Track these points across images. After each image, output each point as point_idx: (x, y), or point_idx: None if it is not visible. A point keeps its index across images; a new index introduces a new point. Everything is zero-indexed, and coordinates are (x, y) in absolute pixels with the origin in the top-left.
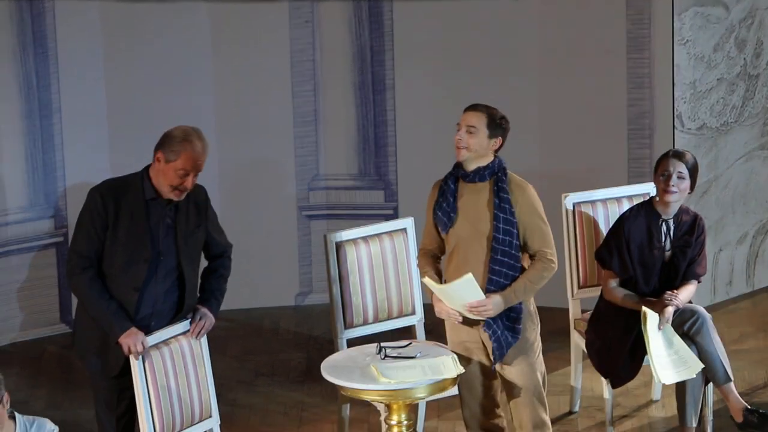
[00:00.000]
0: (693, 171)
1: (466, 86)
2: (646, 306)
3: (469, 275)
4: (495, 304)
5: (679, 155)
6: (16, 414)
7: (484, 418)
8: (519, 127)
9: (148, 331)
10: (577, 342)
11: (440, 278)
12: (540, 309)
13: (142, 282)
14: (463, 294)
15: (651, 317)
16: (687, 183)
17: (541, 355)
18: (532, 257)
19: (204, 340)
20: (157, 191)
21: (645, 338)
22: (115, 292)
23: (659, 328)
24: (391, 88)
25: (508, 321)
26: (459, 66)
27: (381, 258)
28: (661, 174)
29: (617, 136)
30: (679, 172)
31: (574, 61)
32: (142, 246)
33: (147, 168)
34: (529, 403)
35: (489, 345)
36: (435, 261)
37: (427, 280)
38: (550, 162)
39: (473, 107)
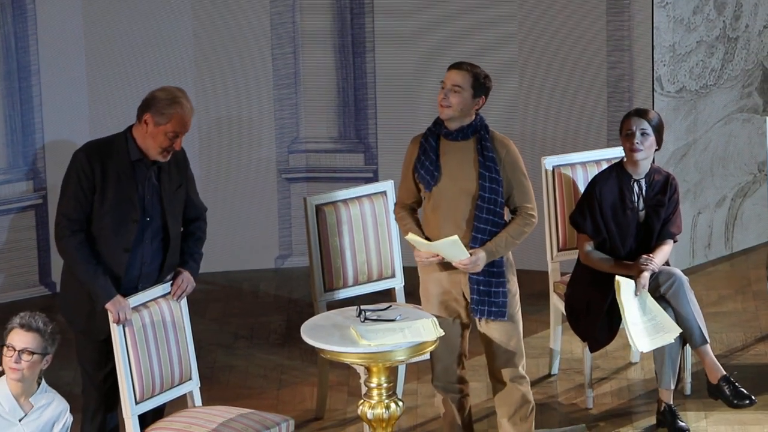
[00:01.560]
0: (657, 128)
1: (446, 49)
2: (620, 271)
3: (455, 237)
4: (480, 259)
5: (641, 113)
6: (43, 380)
7: (456, 371)
8: (499, 89)
9: (135, 293)
10: (557, 305)
11: (420, 230)
12: (519, 272)
13: (131, 243)
14: (447, 252)
15: (625, 285)
16: (652, 139)
17: (520, 306)
18: (513, 212)
19: (184, 302)
20: (143, 152)
21: (620, 308)
22: (105, 254)
23: (636, 294)
24: (371, 51)
25: (491, 276)
26: (439, 28)
27: (361, 221)
28: (625, 133)
29: (596, 98)
30: (642, 129)
31: (553, 23)
32: (131, 207)
33: (130, 128)
34: (511, 356)
35: (469, 297)
36: (413, 213)
37: (411, 236)
38: (529, 124)
39: (458, 66)
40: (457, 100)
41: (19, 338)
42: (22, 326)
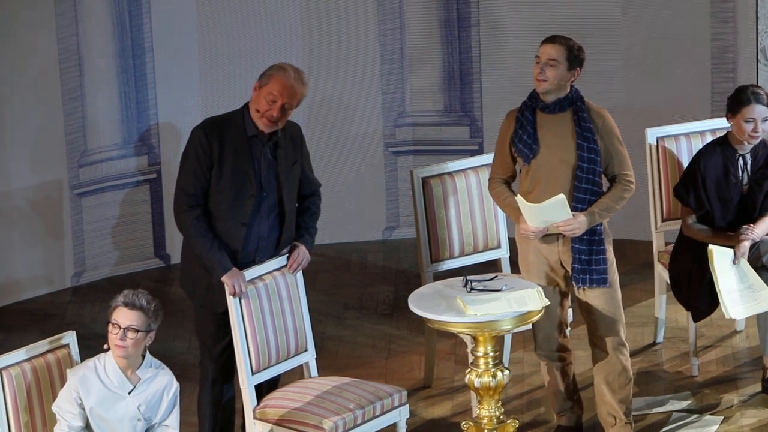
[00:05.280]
0: None
1: (550, 22)
2: (720, 242)
3: (562, 196)
4: (581, 223)
5: (759, 99)
6: (147, 352)
7: (558, 339)
8: (603, 61)
9: (252, 266)
10: (661, 274)
11: None
12: (624, 242)
13: (248, 217)
14: (552, 214)
15: (718, 254)
16: None
17: (617, 275)
18: (611, 180)
19: (300, 275)
20: (258, 128)
21: (713, 275)
22: (222, 229)
23: (734, 263)
24: (476, 25)
25: (591, 245)
26: (543, 2)
27: (466, 193)
28: (745, 120)
29: (701, 70)
30: (765, 117)
31: None
32: (248, 182)
33: (247, 105)
34: (611, 323)
35: (569, 266)
36: (509, 187)
37: (519, 198)
38: (633, 96)
39: (552, 39)
40: (553, 73)
41: (123, 316)
42: (126, 305)
